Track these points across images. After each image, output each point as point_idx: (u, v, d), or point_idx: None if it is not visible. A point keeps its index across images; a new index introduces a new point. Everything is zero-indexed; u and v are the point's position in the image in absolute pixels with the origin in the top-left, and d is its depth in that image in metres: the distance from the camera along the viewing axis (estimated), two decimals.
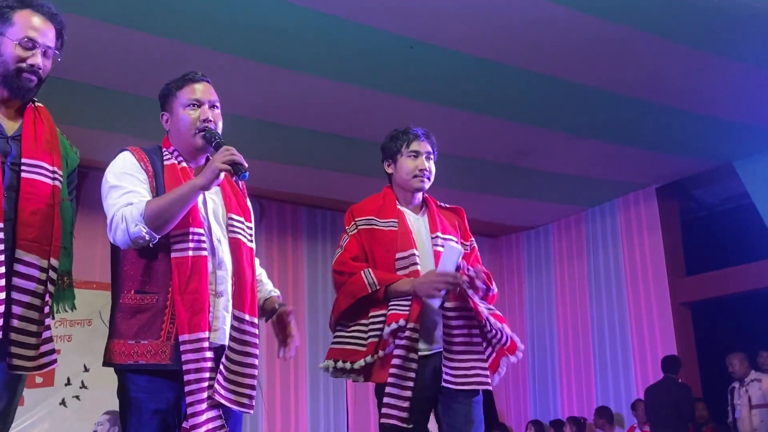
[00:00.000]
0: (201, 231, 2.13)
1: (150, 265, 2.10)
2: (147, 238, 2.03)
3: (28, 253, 1.95)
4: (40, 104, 2.15)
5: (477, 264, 2.77)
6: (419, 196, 2.82)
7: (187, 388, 2.02)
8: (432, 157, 2.80)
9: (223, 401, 2.05)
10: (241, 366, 2.11)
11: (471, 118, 5.82)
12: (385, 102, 5.48)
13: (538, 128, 6.08)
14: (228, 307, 2.15)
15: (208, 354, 2.05)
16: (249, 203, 2.36)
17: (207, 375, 2.04)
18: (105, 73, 4.96)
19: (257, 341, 2.17)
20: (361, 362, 2.53)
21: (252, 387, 2.12)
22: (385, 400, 2.48)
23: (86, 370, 6.25)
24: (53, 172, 2.04)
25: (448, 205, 2.91)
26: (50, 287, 1.99)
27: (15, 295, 1.93)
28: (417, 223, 2.76)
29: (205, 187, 2.08)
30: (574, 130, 6.16)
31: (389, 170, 2.82)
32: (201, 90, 2.26)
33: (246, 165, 2.06)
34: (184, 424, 2.05)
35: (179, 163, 2.23)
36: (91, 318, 6.35)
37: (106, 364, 2.17)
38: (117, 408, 2.12)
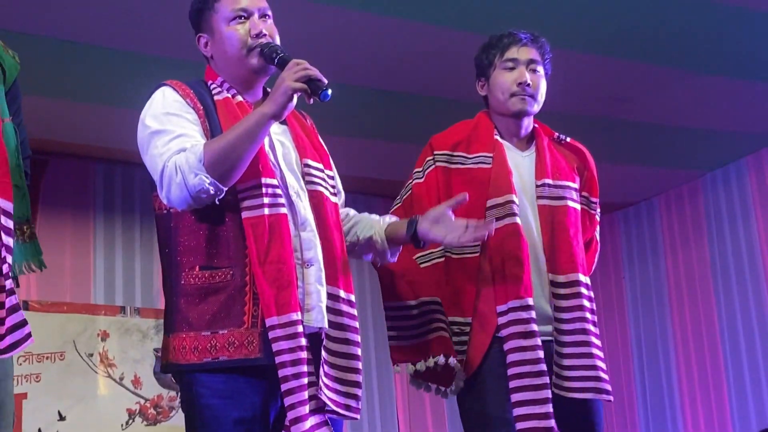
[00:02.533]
0: (275, 182, 2.13)
1: (215, 232, 2.11)
2: (211, 191, 2.02)
3: None
4: None
5: (590, 234, 2.76)
6: (527, 124, 2.73)
7: (284, 386, 2.01)
8: (539, 68, 2.72)
9: (329, 404, 2.06)
10: (343, 357, 2.13)
11: (555, 57, 5.80)
12: (430, 35, 5.48)
13: (641, 63, 6.01)
14: (321, 279, 2.15)
15: (304, 341, 2.05)
16: (324, 146, 2.37)
17: (305, 368, 2.04)
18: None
19: (357, 325, 2.19)
20: None
21: (358, 385, 2.14)
22: None
23: (62, 418, 6.27)
24: None
25: (569, 139, 2.82)
26: (6, 239, 1.89)
27: None
28: (520, 162, 2.69)
29: (277, 115, 2.07)
30: (688, 64, 6.08)
31: (482, 92, 2.77)
32: None
33: (325, 81, 2.04)
34: None
35: (233, 96, 2.23)
36: (63, 350, 6.38)
37: (167, 368, 2.17)
38: None
